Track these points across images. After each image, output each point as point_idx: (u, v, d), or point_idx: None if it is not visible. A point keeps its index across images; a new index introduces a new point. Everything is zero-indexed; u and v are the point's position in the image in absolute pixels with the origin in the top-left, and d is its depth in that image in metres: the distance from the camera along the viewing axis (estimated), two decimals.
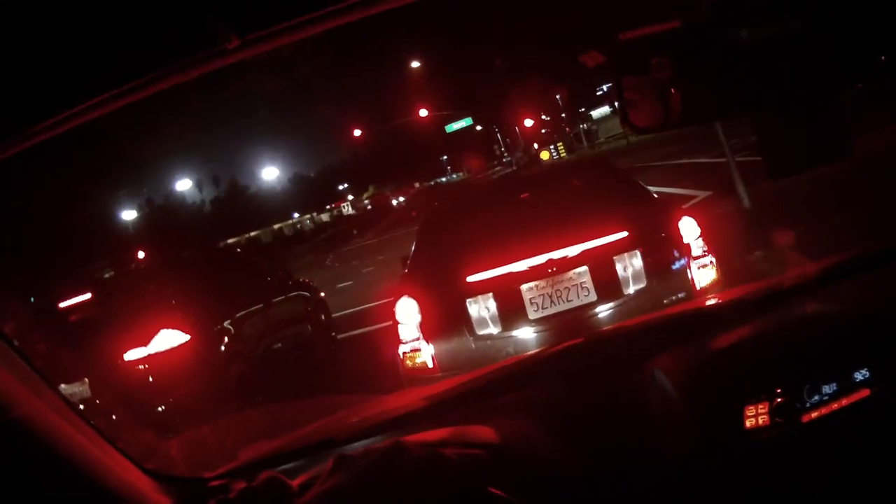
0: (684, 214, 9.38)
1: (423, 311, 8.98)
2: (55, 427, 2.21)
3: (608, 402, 2.85)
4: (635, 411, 2.77)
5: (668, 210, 10.03)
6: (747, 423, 2.57)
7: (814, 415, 2.61)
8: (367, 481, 1.76)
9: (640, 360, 3.00)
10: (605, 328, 3.84)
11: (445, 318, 8.98)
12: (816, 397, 2.62)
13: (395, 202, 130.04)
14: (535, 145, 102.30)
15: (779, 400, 2.58)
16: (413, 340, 8.92)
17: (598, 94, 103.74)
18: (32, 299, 17.08)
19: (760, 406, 2.58)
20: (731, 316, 3.23)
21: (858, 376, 2.66)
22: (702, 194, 23.06)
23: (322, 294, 19.03)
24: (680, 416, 2.67)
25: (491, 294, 8.79)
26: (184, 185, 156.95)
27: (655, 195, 10.81)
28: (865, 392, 2.66)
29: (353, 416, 3.78)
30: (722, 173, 19.75)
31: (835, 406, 2.63)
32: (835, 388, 2.65)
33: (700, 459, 2.54)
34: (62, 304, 14.33)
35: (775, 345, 2.88)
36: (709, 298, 6.04)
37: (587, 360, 3.19)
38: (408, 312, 9.00)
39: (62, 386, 12.08)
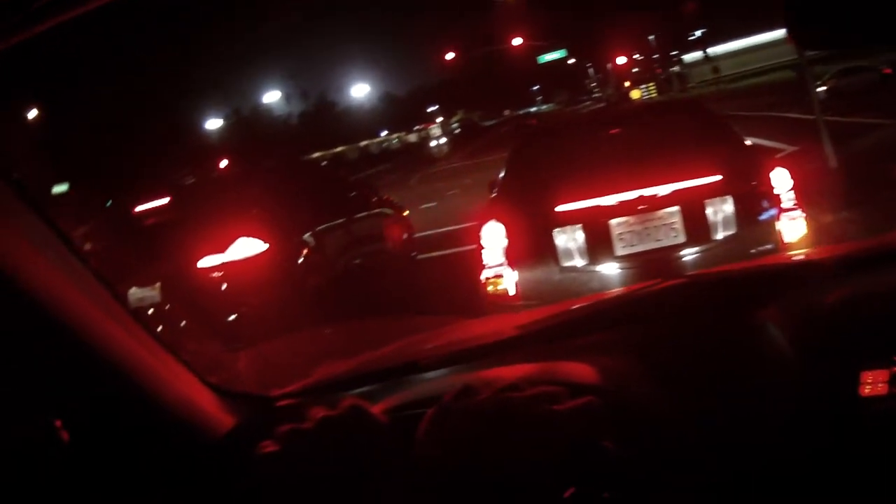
0: (777, 165, 9.29)
1: (509, 236, 8.89)
2: (108, 331, 2.09)
3: (714, 349, 2.66)
4: (743, 363, 2.57)
5: (761, 159, 9.95)
6: (864, 390, 2.33)
7: None
8: (473, 444, 1.55)
9: (748, 308, 2.79)
10: (709, 270, 3.61)
11: (531, 247, 8.91)
12: None
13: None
14: (627, 83, 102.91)
15: None
16: (497, 266, 8.85)
17: (690, 39, 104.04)
18: (109, 203, 17.06)
19: (880, 373, 2.33)
20: (845, 272, 2.98)
21: None
22: (788, 148, 22.91)
23: (406, 213, 18.88)
24: (791, 373, 2.47)
25: (580, 226, 8.69)
26: (272, 97, 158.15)
27: (748, 143, 10.65)
28: None
29: (434, 340, 3.62)
30: (810, 130, 19.74)
31: None
32: None
33: (810, 421, 2.35)
34: (138, 208, 14.27)
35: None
36: (820, 251, 5.81)
37: (692, 303, 3.00)
38: (494, 237, 8.93)
39: (133, 289, 12.07)
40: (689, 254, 8.65)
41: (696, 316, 2.85)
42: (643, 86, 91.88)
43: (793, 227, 8.68)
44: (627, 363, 2.57)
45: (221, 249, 12.56)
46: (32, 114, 46.47)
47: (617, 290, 5.68)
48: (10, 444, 1.91)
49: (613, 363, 2.56)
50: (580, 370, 2.50)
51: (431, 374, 2.80)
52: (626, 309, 3.16)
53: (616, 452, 1.61)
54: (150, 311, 11.99)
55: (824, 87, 39.47)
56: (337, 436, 1.66)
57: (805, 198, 8.99)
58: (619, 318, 3.03)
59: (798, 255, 6.39)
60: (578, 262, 8.69)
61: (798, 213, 8.73)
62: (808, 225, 8.80)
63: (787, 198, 8.77)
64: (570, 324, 3.11)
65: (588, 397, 1.59)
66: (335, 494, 1.60)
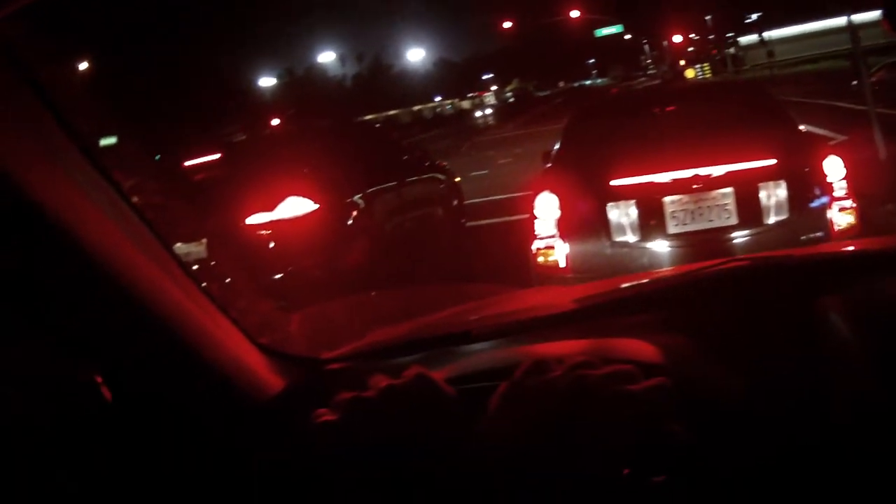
0: (831, 153, 9.27)
1: (562, 208, 8.89)
2: (160, 287, 2.03)
3: (774, 335, 2.58)
4: (803, 351, 2.47)
5: (815, 145, 9.94)
6: None
7: None
8: (546, 422, 1.51)
9: (811, 295, 2.68)
10: (770, 253, 3.52)
11: (584, 220, 8.91)
12: None
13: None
14: (682, 62, 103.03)
15: None
16: (548, 237, 8.85)
17: (746, 21, 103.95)
18: (158, 157, 17.02)
19: None
20: None
21: None
22: (838, 137, 22.65)
23: (457, 179, 18.65)
24: (852, 365, 2.37)
25: (633, 201, 8.69)
26: (327, 57, 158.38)
27: (802, 128, 10.64)
28: None
29: (484, 310, 3.59)
30: (860, 121, 19.97)
31: None
32: None
33: (869, 415, 2.23)
34: (188, 163, 14.26)
35: None
36: (880, 242, 5.72)
37: (753, 285, 2.91)
38: (547, 208, 8.93)
39: (178, 244, 11.99)
40: (741, 236, 8.64)
41: (756, 299, 2.77)
42: (698, 65, 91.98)
43: (842, 217, 8.67)
44: (684, 343, 2.52)
45: (270, 208, 12.42)
46: (84, 66, 46.70)
47: (671, 269, 5.62)
48: (47, 400, 1.84)
49: (669, 342, 2.50)
50: (639, 347, 2.45)
51: (483, 345, 2.72)
52: (687, 288, 3.07)
53: (684, 437, 1.56)
54: (195, 267, 11.87)
55: (872, 79, 38.66)
56: (402, 407, 1.59)
57: (856, 187, 8.97)
58: (678, 296, 2.97)
59: (860, 244, 6.32)
60: (630, 237, 8.68)
61: (849, 202, 8.72)
62: (859, 215, 8.78)
63: (839, 186, 8.75)
64: (629, 300, 3.05)
65: (660, 378, 1.53)
66: (397, 469, 1.54)
